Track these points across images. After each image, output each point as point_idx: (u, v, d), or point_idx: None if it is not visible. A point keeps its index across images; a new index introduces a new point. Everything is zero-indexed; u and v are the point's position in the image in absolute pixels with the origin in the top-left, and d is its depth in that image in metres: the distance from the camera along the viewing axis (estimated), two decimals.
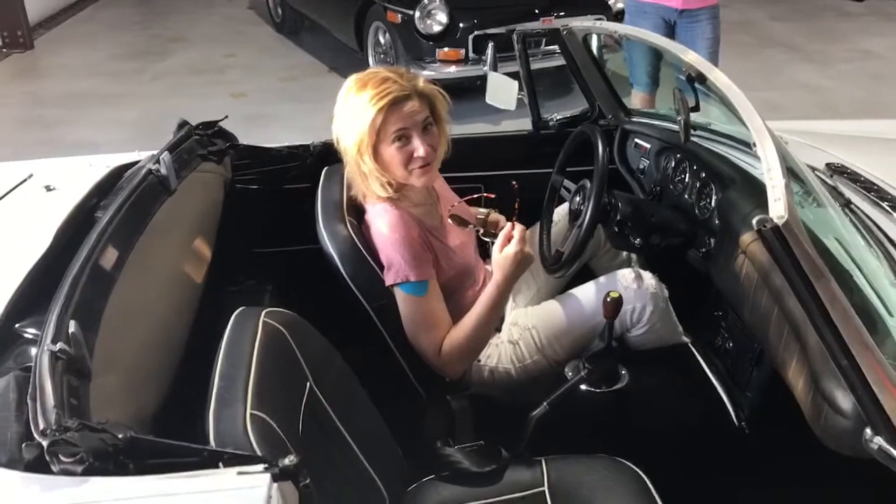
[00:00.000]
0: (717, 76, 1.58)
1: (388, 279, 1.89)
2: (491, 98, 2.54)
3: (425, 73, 5.43)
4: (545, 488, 1.74)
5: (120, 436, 1.19)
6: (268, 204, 2.41)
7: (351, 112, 1.86)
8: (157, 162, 2.01)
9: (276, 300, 2.32)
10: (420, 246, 1.90)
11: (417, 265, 1.88)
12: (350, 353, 1.86)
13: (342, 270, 1.91)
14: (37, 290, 1.56)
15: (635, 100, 4.15)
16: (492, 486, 1.79)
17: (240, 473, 1.17)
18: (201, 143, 2.24)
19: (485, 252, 2.25)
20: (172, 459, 1.21)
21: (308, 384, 1.63)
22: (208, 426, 1.32)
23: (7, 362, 1.41)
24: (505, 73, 2.56)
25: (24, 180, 2.13)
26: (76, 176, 2.12)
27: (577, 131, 2.23)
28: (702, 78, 1.64)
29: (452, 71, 5.42)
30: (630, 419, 2.00)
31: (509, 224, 1.87)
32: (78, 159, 2.34)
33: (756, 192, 1.83)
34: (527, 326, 2.11)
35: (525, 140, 2.59)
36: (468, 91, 5.71)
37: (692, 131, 2.07)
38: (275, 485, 1.16)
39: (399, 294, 1.90)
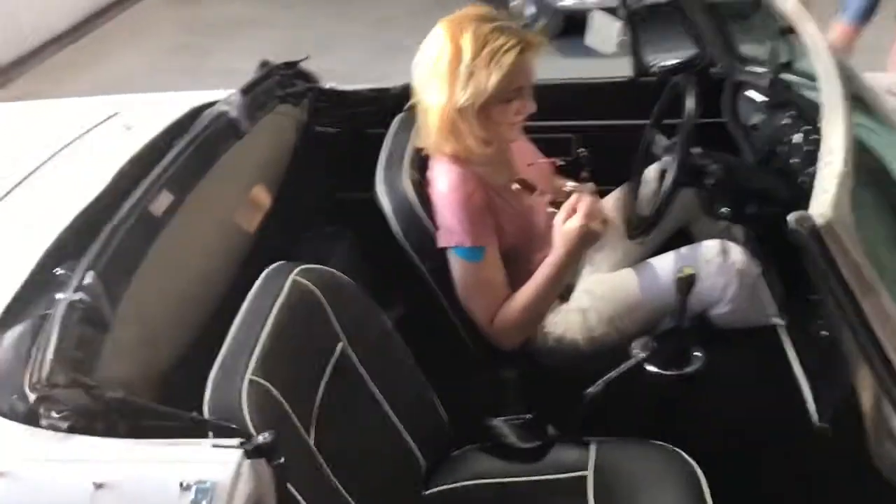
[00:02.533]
0: (807, 29, 1.34)
1: (442, 241, 1.80)
2: (590, 40, 2.34)
3: (561, 3, 5.18)
4: (588, 472, 1.63)
5: (108, 396, 1.18)
6: (349, 148, 2.35)
7: (455, 66, 1.71)
8: (229, 103, 2.00)
9: (357, 248, 2.29)
10: (480, 210, 1.78)
11: (474, 230, 1.77)
12: (411, 310, 1.80)
13: (394, 226, 1.83)
14: (83, 235, 1.57)
15: (833, 32, 3.61)
16: (532, 463, 1.71)
17: (215, 446, 1.15)
18: (281, 83, 2.21)
19: None
20: (161, 423, 1.21)
21: (340, 346, 1.58)
22: (206, 391, 1.29)
23: (37, 308, 1.44)
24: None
25: (109, 118, 2.17)
26: (159, 114, 2.13)
27: (673, 82, 2.01)
28: (791, 30, 1.40)
29: (586, 1, 5.11)
30: (696, 406, 1.83)
31: (575, 195, 1.71)
32: (166, 95, 2.37)
33: (864, 167, 1.57)
34: (599, 295, 1.96)
35: (623, 88, 2.37)
36: None
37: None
38: (247, 461, 1.13)
39: (453, 257, 1.81)
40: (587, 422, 1.79)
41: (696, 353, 1.83)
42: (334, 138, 2.34)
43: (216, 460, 1.12)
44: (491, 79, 1.68)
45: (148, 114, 2.14)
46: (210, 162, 1.90)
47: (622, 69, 2.41)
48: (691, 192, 1.96)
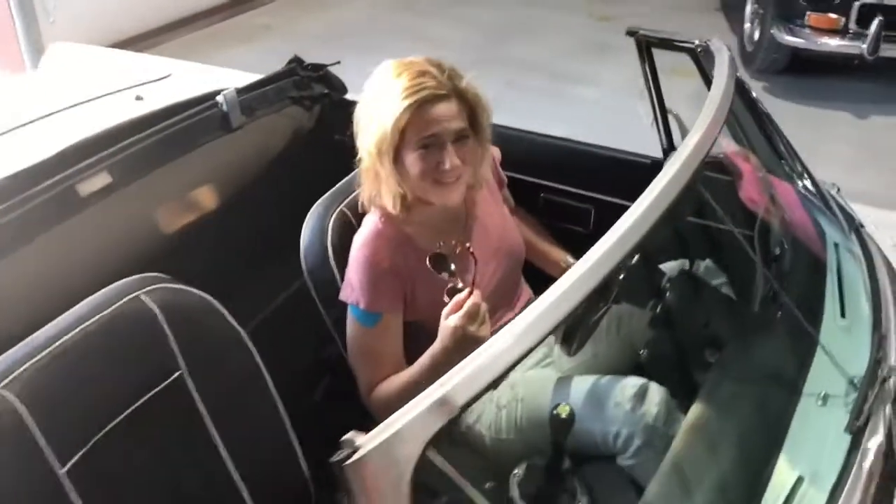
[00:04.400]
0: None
1: (342, 293, 1.68)
2: None
3: (789, 38, 4.56)
4: None
5: None
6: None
7: (378, 102, 1.62)
8: (224, 97, 1.99)
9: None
10: (385, 273, 1.63)
11: (372, 294, 1.63)
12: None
13: (303, 261, 1.73)
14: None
15: None
16: None
17: None
18: (298, 84, 2.15)
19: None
20: None
21: (176, 375, 1.52)
22: None
23: None
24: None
25: (153, 81, 2.25)
26: (188, 89, 2.17)
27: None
28: None
29: (827, 43, 4.44)
30: None
31: (465, 291, 1.51)
32: (226, 71, 2.41)
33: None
34: (517, 395, 1.74)
35: (650, 168, 2.03)
36: (840, 70, 4.75)
37: None
38: None
39: (348, 314, 1.68)
40: None
41: (578, 500, 1.58)
42: (351, 151, 2.25)
43: None
44: (391, 118, 1.54)
45: (194, 84, 2.18)
46: (180, 151, 1.91)
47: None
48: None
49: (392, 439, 0.73)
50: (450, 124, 1.56)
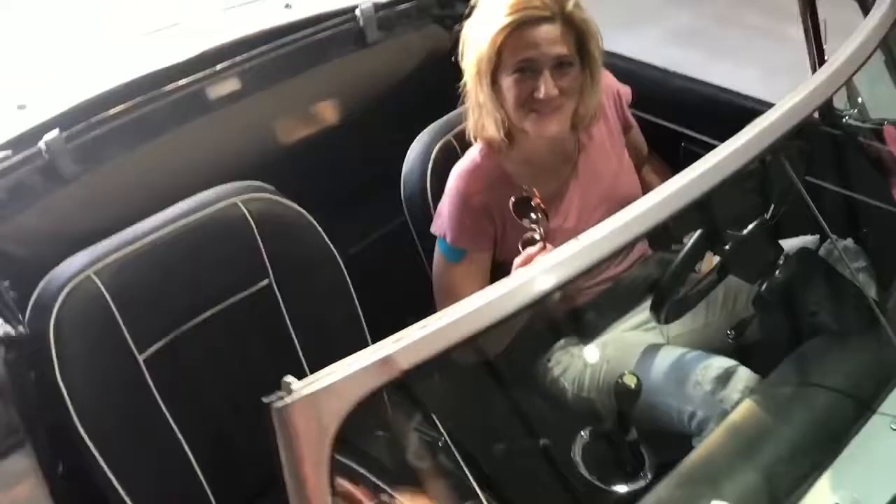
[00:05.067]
0: None
1: (433, 225, 1.65)
2: None
3: None
4: None
5: None
6: None
7: (482, 22, 1.55)
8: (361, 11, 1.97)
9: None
10: (476, 211, 1.57)
11: (460, 229, 1.58)
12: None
13: (403, 188, 1.71)
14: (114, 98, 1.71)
15: None
16: None
17: None
18: (441, 2, 2.09)
19: None
20: None
21: (264, 282, 1.57)
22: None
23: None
24: None
25: None
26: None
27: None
28: None
29: None
30: None
31: (539, 244, 1.42)
32: None
33: None
34: (606, 356, 1.65)
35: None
36: None
37: None
38: None
39: (436, 245, 1.65)
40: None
41: (645, 472, 1.49)
42: None
43: None
44: (489, 38, 1.47)
45: None
46: (311, 64, 1.92)
47: None
48: None
49: (323, 391, 0.70)
50: (549, 49, 1.46)
